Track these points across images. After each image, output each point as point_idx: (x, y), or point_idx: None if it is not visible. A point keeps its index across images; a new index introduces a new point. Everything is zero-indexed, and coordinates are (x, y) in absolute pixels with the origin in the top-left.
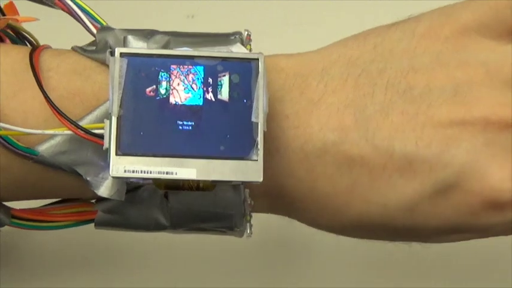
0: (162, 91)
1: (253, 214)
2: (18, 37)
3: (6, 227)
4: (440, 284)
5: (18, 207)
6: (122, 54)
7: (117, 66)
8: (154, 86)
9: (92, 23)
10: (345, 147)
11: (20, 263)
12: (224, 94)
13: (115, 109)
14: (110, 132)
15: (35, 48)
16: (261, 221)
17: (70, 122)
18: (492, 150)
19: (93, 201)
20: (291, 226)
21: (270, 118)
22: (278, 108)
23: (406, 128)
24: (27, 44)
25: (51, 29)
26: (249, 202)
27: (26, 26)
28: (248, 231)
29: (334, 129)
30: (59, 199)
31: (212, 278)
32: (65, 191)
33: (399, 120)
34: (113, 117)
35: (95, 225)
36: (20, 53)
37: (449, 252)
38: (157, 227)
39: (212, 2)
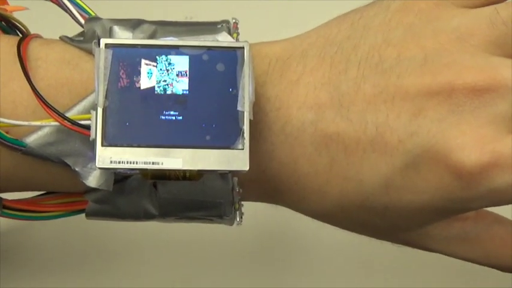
0: (147, 81)
1: (253, 212)
2: (9, 26)
3: (6, 227)
4: (438, 282)
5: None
6: (106, 45)
7: (102, 57)
8: (140, 77)
9: (80, 14)
10: (322, 125)
11: (20, 262)
12: (209, 83)
13: (100, 100)
14: (96, 124)
15: (24, 38)
16: (259, 221)
17: (57, 113)
18: (458, 118)
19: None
20: (289, 224)
21: (254, 103)
22: (261, 92)
23: (378, 100)
24: (19, 33)
25: (42, 19)
26: (237, 190)
27: (17, 16)
28: (238, 220)
29: (311, 108)
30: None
31: (211, 277)
32: (54, 182)
33: (371, 93)
34: (99, 109)
35: (86, 215)
36: (9, 43)
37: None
38: (147, 216)
39: (211, 3)
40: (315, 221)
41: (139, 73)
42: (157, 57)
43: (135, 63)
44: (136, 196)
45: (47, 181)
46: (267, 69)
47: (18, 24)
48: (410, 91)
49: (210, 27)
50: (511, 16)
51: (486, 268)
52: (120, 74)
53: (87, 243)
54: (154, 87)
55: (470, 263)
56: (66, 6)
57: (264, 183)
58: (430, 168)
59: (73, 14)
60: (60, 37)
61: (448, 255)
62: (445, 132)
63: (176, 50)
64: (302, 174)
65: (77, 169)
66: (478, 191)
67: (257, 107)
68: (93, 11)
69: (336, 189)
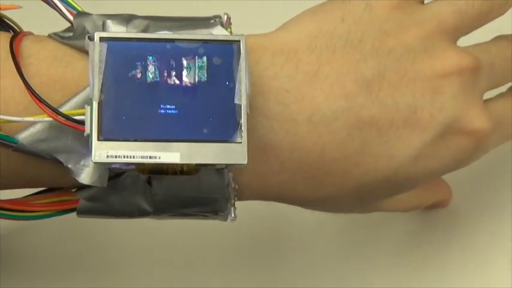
0: (143, 75)
1: (250, 214)
2: (1, 24)
3: (6, 227)
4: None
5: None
6: (101, 39)
7: (97, 50)
8: (135, 70)
9: (67, 9)
10: (355, 111)
11: (20, 263)
12: (206, 77)
13: (96, 94)
14: (91, 118)
15: (16, 35)
16: (256, 222)
17: (50, 109)
18: (467, 93)
19: (75, 190)
20: (285, 226)
21: (266, 96)
22: (274, 85)
23: (402, 85)
24: (11, 31)
25: (33, 16)
26: (233, 186)
27: (9, 14)
28: (232, 215)
29: (340, 97)
30: (42, 189)
31: (208, 277)
32: (46, 180)
33: (394, 79)
34: (94, 103)
35: (77, 213)
36: (1, 40)
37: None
38: (141, 214)
39: (211, 3)
40: (311, 218)
41: (134, 67)
42: (152, 50)
43: (130, 56)
44: (129, 193)
45: (39, 178)
46: (273, 61)
47: (10, 23)
48: (428, 73)
49: (203, 22)
50: (464, 5)
51: (486, 267)
52: (115, 67)
53: (86, 243)
54: (150, 80)
55: (469, 263)
56: (54, 2)
57: (277, 175)
58: (454, 135)
59: (61, 10)
60: (49, 35)
61: (393, 210)
62: (463, 105)
63: (171, 43)
64: (328, 159)
65: (69, 166)
66: (482, 149)
67: (273, 100)
68: (80, 7)
69: (362, 169)
